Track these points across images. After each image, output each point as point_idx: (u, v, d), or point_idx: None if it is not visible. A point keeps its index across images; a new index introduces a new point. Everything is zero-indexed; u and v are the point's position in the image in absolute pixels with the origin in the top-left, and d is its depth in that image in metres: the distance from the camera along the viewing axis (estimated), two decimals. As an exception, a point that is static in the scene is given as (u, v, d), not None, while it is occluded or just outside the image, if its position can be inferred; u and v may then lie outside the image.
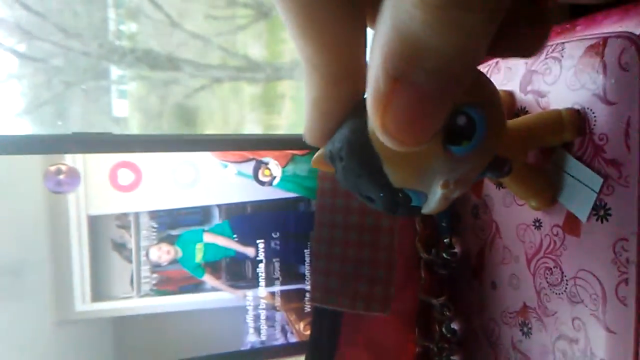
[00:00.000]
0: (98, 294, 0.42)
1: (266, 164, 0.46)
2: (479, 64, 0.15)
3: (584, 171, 0.29)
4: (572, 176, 0.30)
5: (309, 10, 0.17)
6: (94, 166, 0.41)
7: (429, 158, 0.19)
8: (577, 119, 0.30)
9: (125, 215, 0.42)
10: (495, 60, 0.38)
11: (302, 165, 0.47)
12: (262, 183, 0.46)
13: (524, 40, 0.20)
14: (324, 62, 0.18)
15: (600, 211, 0.29)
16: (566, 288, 0.31)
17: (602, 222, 0.29)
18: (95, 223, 0.42)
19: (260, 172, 0.46)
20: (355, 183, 0.21)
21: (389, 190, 0.20)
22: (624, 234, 0.28)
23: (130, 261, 0.43)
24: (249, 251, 0.46)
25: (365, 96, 0.19)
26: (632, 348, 0.28)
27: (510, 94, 0.35)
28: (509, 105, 0.35)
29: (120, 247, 0.42)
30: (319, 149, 0.23)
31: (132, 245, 0.43)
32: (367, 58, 0.17)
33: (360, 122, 0.19)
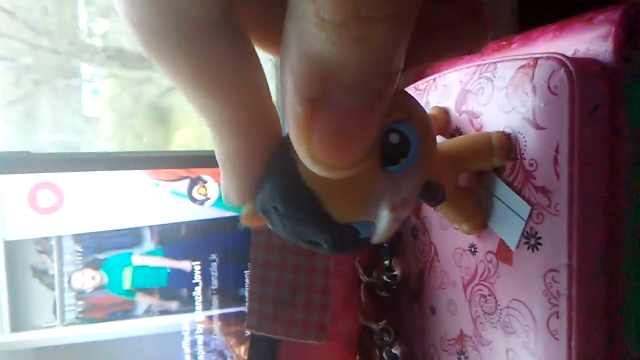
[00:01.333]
0: (18, 324, 0.39)
1: (205, 182, 0.44)
2: (398, 73, 0.14)
3: (513, 198, 0.28)
4: (502, 202, 0.29)
5: (194, 53, 0.14)
6: (11, 188, 0.38)
7: (370, 185, 0.18)
8: (507, 143, 0.29)
9: (46, 239, 0.40)
10: (432, 77, 0.37)
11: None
12: (197, 202, 0.44)
13: (466, 37, 0.19)
14: (226, 111, 0.16)
15: (531, 240, 0.28)
16: (500, 318, 0.30)
17: (533, 251, 0.28)
18: (13, 249, 0.39)
19: (195, 190, 0.44)
20: (297, 231, 0.19)
21: (334, 229, 0.18)
22: (555, 265, 0.27)
23: (53, 288, 0.40)
24: (185, 265, 0.44)
25: (284, 135, 0.17)
26: (565, 383, 0.27)
27: (446, 112, 0.34)
28: (444, 123, 0.34)
29: (42, 273, 0.40)
30: None
31: (54, 271, 0.40)
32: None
33: (286, 165, 0.18)
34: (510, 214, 0.29)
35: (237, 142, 0.17)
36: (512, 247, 0.29)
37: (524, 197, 0.28)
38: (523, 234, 0.28)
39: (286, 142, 0.17)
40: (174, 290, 0.44)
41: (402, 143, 0.18)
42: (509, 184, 0.29)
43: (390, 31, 0.12)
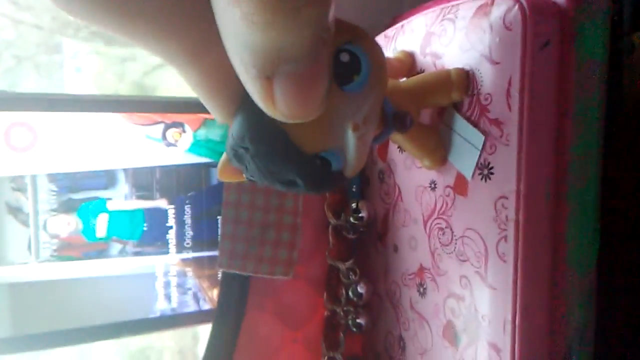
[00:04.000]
0: (-7, 259, 0.40)
1: (179, 126, 0.45)
2: (331, 29, 0.15)
3: (469, 130, 0.30)
4: (460, 135, 0.31)
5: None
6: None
7: (330, 108, 0.18)
8: (465, 79, 0.30)
9: (21, 177, 0.40)
10: (400, 23, 0.38)
11: (215, 129, 0.46)
12: (170, 145, 0.44)
13: None
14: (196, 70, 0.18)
15: (484, 170, 0.29)
16: (455, 247, 0.32)
17: (485, 180, 0.29)
18: (-13, 185, 0.39)
19: (169, 134, 0.44)
20: (270, 170, 0.20)
21: (305, 161, 0.19)
22: (504, 192, 0.28)
23: (27, 225, 0.41)
24: (161, 203, 0.45)
25: None
26: (511, 303, 0.28)
27: (411, 55, 0.35)
28: (409, 66, 0.35)
29: (16, 210, 0.41)
30: None
31: (29, 209, 0.41)
32: None
33: (251, 105, 0.18)
34: (467, 146, 0.30)
35: (195, 74, 0.19)
36: (468, 176, 0.30)
37: (478, 128, 0.29)
38: (477, 164, 0.30)
39: None
40: (150, 233, 0.45)
41: (352, 61, 0.19)
42: (466, 118, 0.30)
43: (314, 8, 0.13)
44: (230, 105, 0.20)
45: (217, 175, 0.23)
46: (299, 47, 0.14)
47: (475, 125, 0.30)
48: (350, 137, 0.20)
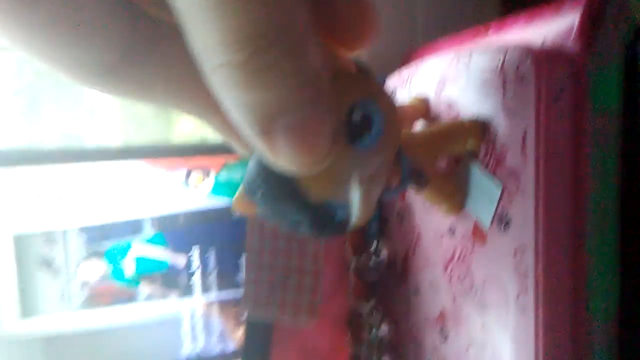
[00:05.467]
0: (27, 311, 0.42)
1: (202, 170, 0.46)
2: (319, 70, 0.15)
3: (486, 180, 0.30)
4: (477, 184, 0.31)
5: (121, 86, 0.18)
6: (16, 182, 0.40)
7: (339, 161, 0.19)
8: (480, 127, 0.30)
9: (52, 232, 0.42)
10: (415, 64, 0.38)
11: (236, 171, 0.47)
12: (194, 189, 0.45)
13: (355, 37, 0.20)
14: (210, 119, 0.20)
15: (502, 220, 0.29)
16: (476, 294, 0.32)
17: (504, 230, 0.29)
18: (21, 242, 0.41)
19: (191, 178, 0.45)
20: (278, 209, 0.21)
21: (311, 208, 0.20)
22: (523, 242, 0.28)
23: (59, 277, 0.42)
24: (181, 260, 0.46)
25: None
26: (533, 354, 0.28)
27: (425, 101, 0.35)
28: (424, 113, 0.35)
29: (48, 263, 0.42)
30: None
31: (60, 261, 0.42)
32: None
33: None
34: (484, 196, 0.30)
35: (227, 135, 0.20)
36: (485, 226, 0.30)
37: (495, 179, 0.29)
38: (495, 214, 0.30)
39: None
40: (175, 275, 0.46)
41: (365, 119, 0.19)
42: (483, 167, 0.30)
43: (283, 52, 0.13)
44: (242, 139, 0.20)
45: (233, 207, 0.24)
46: (291, 98, 0.14)
47: (492, 175, 0.30)
48: (356, 192, 0.20)
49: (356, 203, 0.20)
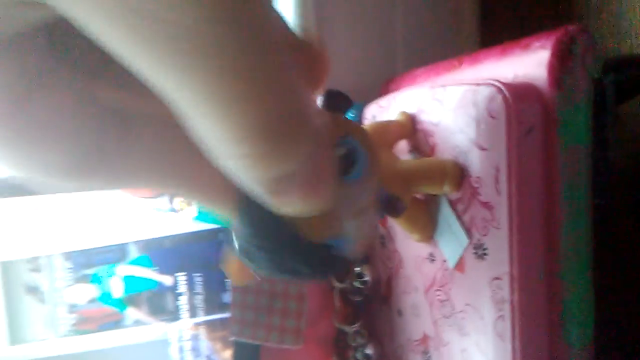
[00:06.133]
0: (15, 338, 0.42)
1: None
2: (316, 129, 0.15)
3: (456, 226, 0.31)
4: (448, 225, 0.32)
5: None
6: (2, 211, 0.41)
7: (335, 198, 0.19)
8: (459, 174, 0.31)
9: (36, 258, 0.42)
10: (392, 95, 0.39)
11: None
12: (178, 212, 0.46)
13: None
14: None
15: (478, 250, 0.30)
16: (455, 320, 0.33)
17: (480, 260, 0.30)
18: (6, 269, 0.41)
19: (175, 203, 0.46)
20: (280, 263, 0.21)
21: (312, 250, 0.20)
22: (498, 273, 0.29)
23: (44, 303, 0.43)
24: (168, 280, 0.46)
25: None
26: (511, 380, 0.29)
27: (411, 117, 0.36)
28: (409, 129, 0.35)
29: (34, 290, 0.42)
30: None
31: (45, 287, 0.42)
32: None
33: (255, 204, 0.19)
34: (452, 238, 0.31)
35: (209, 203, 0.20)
36: (451, 265, 0.32)
37: (465, 228, 0.31)
38: (459, 259, 0.31)
39: None
40: (162, 297, 0.46)
41: (349, 154, 0.20)
42: (455, 210, 0.31)
43: (294, 135, 0.14)
44: (229, 203, 0.20)
45: (231, 280, 0.24)
46: (293, 164, 0.15)
47: (461, 219, 0.31)
48: (351, 225, 0.21)
49: (356, 234, 0.21)
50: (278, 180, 0.15)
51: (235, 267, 0.24)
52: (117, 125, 0.17)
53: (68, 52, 0.16)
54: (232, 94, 0.12)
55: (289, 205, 0.16)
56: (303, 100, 0.14)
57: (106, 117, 0.17)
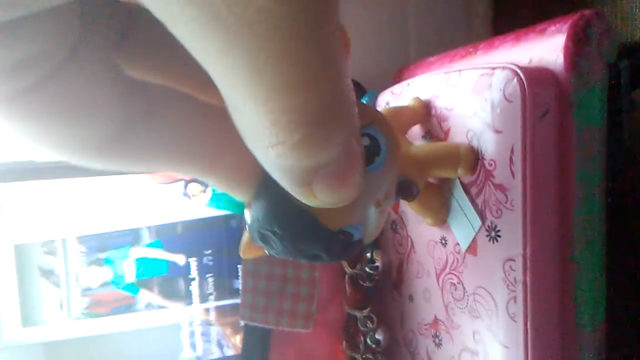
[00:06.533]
0: (28, 320, 0.42)
1: (198, 182, 0.47)
2: (353, 124, 0.16)
3: (470, 209, 0.31)
4: (461, 209, 0.32)
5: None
6: (17, 194, 0.41)
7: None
8: (473, 157, 0.31)
9: (51, 241, 0.43)
10: (406, 82, 0.39)
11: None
12: (191, 197, 0.46)
13: None
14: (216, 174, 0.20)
15: (491, 232, 0.31)
16: (467, 303, 0.33)
17: (493, 242, 0.31)
18: (21, 251, 0.42)
19: (189, 188, 0.46)
20: (298, 249, 0.21)
21: (330, 237, 0.21)
22: (512, 254, 0.30)
23: (59, 286, 0.43)
24: (179, 259, 0.47)
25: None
26: (523, 361, 0.30)
27: (425, 103, 0.36)
28: (423, 114, 0.36)
29: (48, 273, 0.43)
30: None
31: (60, 270, 0.43)
32: None
33: (273, 188, 0.19)
34: (465, 221, 0.32)
35: (214, 180, 0.20)
36: (463, 248, 0.32)
37: (478, 210, 0.31)
38: (471, 242, 0.31)
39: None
40: (174, 282, 0.46)
41: (372, 144, 0.20)
42: (468, 193, 0.32)
43: (333, 126, 0.14)
44: (248, 189, 0.21)
45: (241, 254, 0.25)
46: (334, 152, 0.15)
47: (474, 202, 0.31)
48: (373, 213, 0.21)
49: (373, 222, 0.22)
50: (315, 169, 0.15)
51: (250, 246, 0.24)
52: (144, 99, 0.17)
53: (95, 20, 0.16)
54: (290, 78, 0.12)
55: (319, 195, 0.16)
56: (350, 85, 0.14)
57: (134, 89, 0.17)
